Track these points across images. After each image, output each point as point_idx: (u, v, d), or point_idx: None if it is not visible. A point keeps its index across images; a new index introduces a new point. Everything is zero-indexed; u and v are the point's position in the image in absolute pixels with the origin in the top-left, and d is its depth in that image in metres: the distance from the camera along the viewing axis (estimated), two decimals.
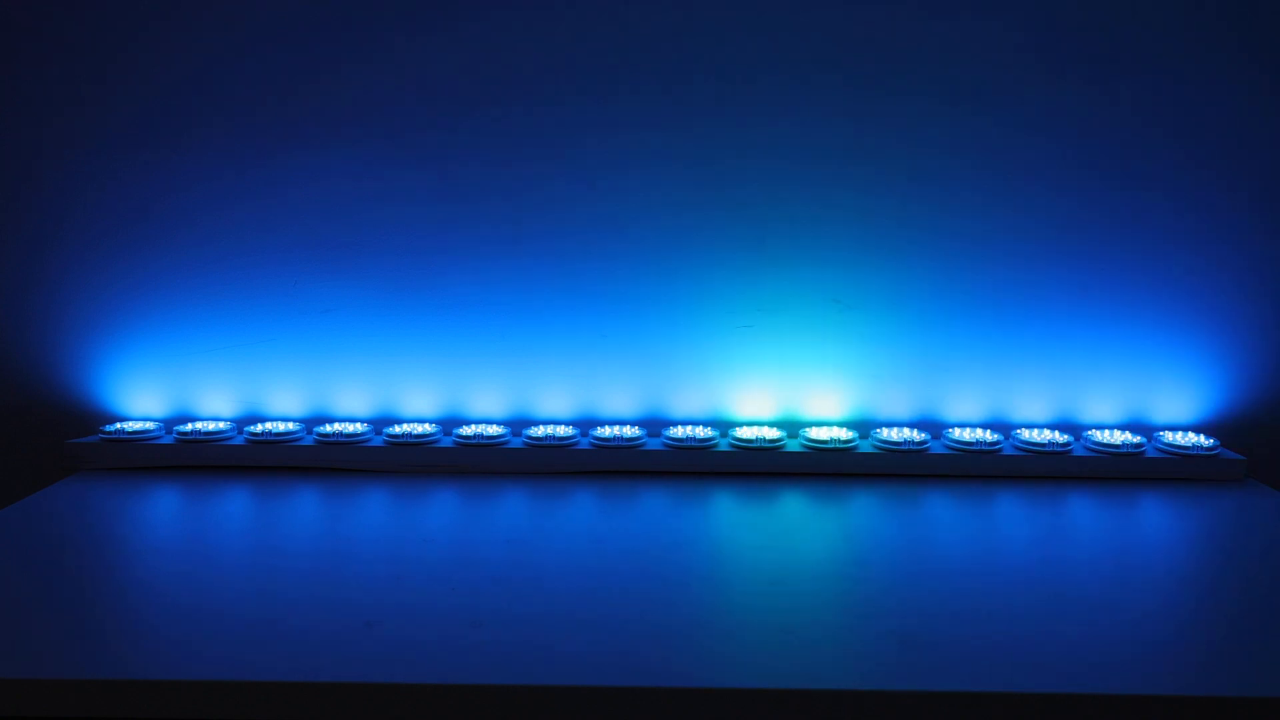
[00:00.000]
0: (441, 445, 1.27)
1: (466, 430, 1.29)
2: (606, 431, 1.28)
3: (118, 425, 1.28)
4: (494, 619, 0.80)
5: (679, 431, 1.30)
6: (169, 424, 1.33)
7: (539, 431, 1.29)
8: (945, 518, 1.11)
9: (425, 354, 1.33)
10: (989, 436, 1.27)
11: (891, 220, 1.28)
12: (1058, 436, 1.27)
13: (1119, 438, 1.26)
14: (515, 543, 1.00)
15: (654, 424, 1.34)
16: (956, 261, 1.29)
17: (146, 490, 1.19)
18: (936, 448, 1.27)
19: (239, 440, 1.28)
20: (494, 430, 1.29)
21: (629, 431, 1.29)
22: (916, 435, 1.27)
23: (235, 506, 1.14)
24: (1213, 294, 1.29)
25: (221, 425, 1.30)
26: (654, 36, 1.23)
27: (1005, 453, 1.25)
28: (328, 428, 1.29)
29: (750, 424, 1.33)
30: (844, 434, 1.29)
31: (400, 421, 1.34)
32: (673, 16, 1.23)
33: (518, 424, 1.34)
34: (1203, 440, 1.25)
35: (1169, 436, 1.27)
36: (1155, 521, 1.12)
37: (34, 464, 1.32)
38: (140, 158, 1.27)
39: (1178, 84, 1.24)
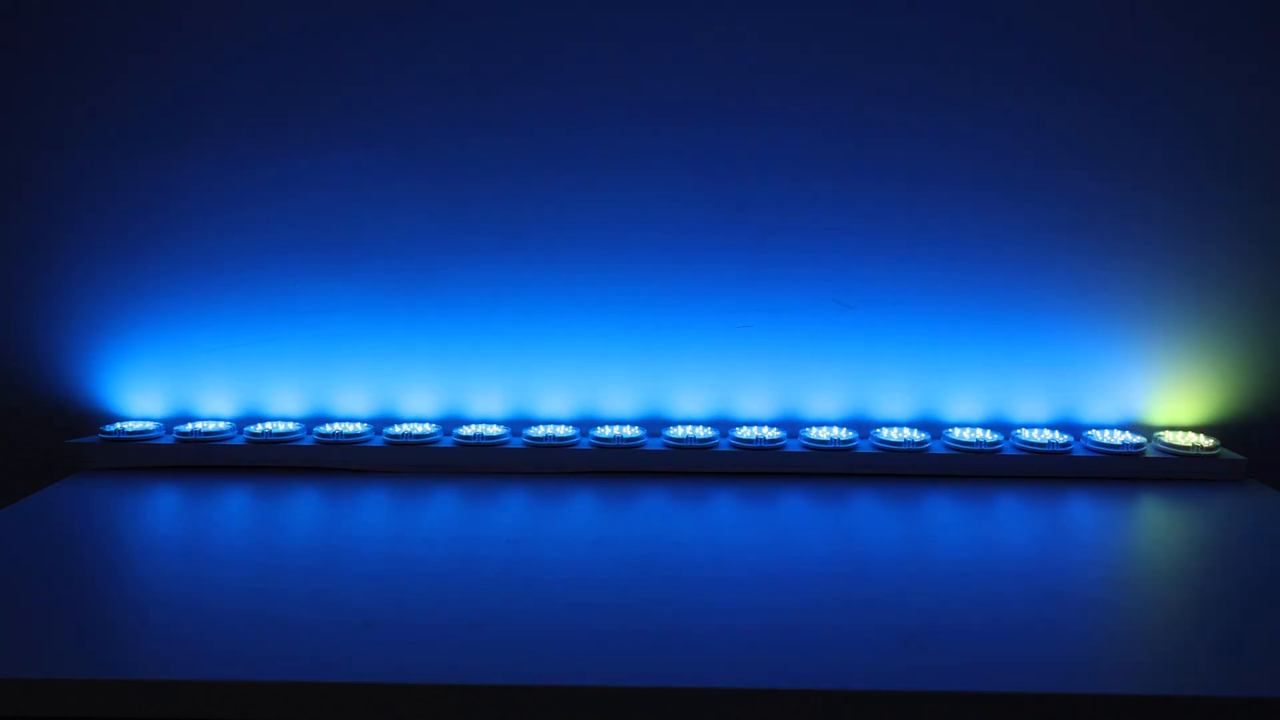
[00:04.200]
0: (441, 445, 1.27)
1: (466, 430, 1.29)
2: (606, 431, 1.28)
3: (118, 425, 1.28)
4: (494, 619, 0.80)
5: (679, 431, 1.30)
6: (169, 424, 1.33)
7: (539, 431, 1.29)
8: (945, 518, 1.11)
9: (425, 354, 1.33)
10: (989, 436, 1.27)
11: (892, 220, 1.28)
12: (1058, 436, 1.27)
13: (1119, 438, 1.26)
14: (515, 543, 1.00)
15: (654, 424, 1.34)
16: (957, 262, 1.29)
17: (146, 490, 1.19)
18: (936, 448, 1.27)
19: (239, 440, 1.28)
20: (494, 430, 1.29)
21: (629, 431, 1.29)
22: (916, 435, 1.27)
23: (235, 506, 1.14)
24: (1213, 294, 1.29)
25: (221, 425, 1.30)
26: (654, 38, 1.23)
27: (1005, 453, 1.25)
28: (328, 428, 1.29)
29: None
30: (844, 433, 1.29)
31: (400, 421, 1.34)
32: (673, 19, 1.23)
33: (518, 424, 1.34)
34: (1203, 440, 1.25)
35: (1169, 436, 1.27)
36: (1155, 521, 1.12)
37: (34, 464, 1.32)
38: (140, 159, 1.27)
39: (1178, 85, 1.23)
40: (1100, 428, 1.32)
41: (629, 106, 1.25)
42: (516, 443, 1.29)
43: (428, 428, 1.29)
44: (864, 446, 1.27)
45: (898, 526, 1.08)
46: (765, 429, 1.31)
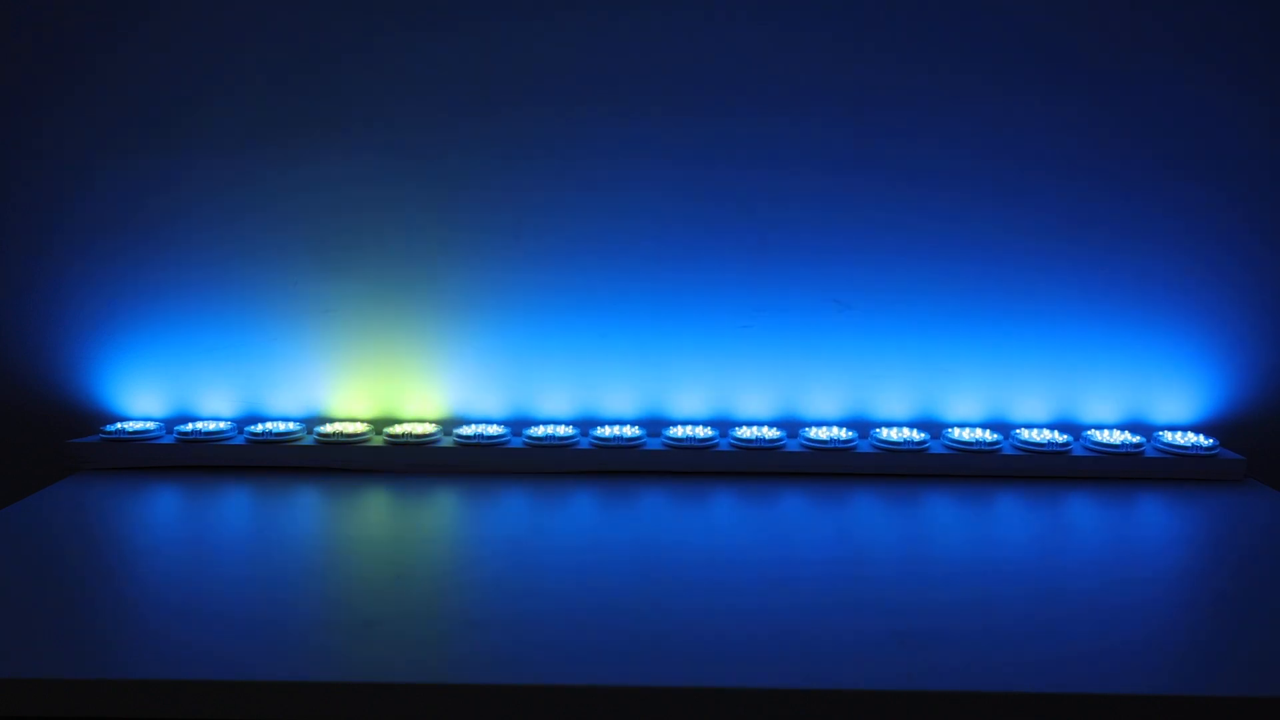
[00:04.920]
0: (442, 445, 1.27)
1: (467, 430, 1.29)
2: (606, 431, 1.28)
3: (118, 425, 1.28)
4: (494, 619, 0.80)
5: (679, 431, 1.30)
6: (169, 424, 1.33)
7: (539, 431, 1.29)
8: (945, 518, 1.11)
9: (425, 354, 1.33)
10: (989, 436, 1.27)
11: (892, 221, 1.28)
12: (1058, 436, 1.27)
13: (1119, 438, 1.26)
14: (515, 543, 1.00)
15: (654, 424, 1.34)
16: (956, 262, 1.29)
17: (146, 490, 1.19)
18: (936, 448, 1.27)
19: (239, 440, 1.28)
20: (494, 430, 1.29)
21: (629, 431, 1.29)
22: (916, 435, 1.27)
23: (235, 506, 1.14)
24: (1212, 294, 1.29)
25: (221, 425, 1.30)
26: (654, 38, 1.23)
27: (1005, 453, 1.25)
28: (329, 428, 1.29)
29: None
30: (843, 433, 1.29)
31: (401, 421, 1.34)
32: (673, 19, 1.23)
33: (518, 424, 1.34)
34: (1202, 440, 1.25)
35: (1169, 436, 1.27)
36: (1155, 521, 1.12)
37: (34, 464, 1.32)
38: (140, 158, 1.27)
39: (1175, 90, 1.23)
40: (1100, 428, 1.32)
41: (630, 106, 1.25)
42: (516, 443, 1.29)
43: (428, 428, 1.29)
44: (864, 446, 1.27)
45: (898, 526, 1.08)
46: (765, 429, 1.31)
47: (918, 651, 0.74)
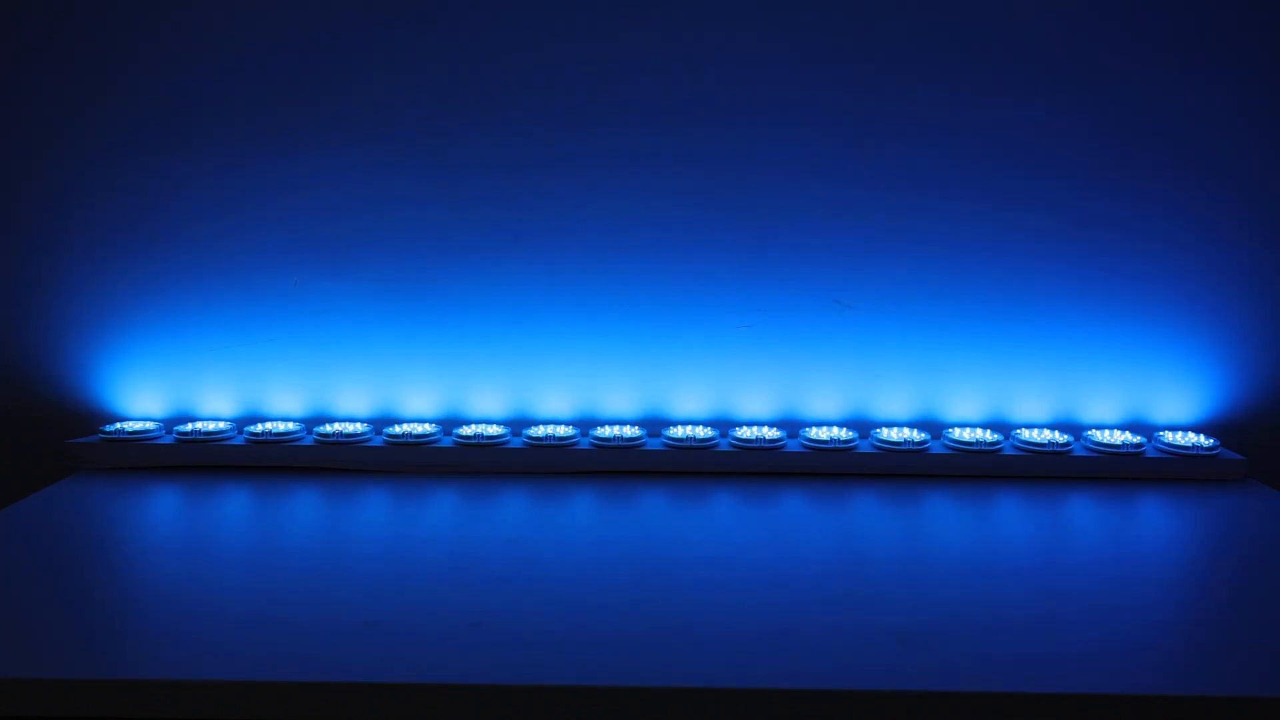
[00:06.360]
0: (442, 445, 1.27)
1: (466, 430, 1.29)
2: (606, 431, 1.28)
3: (118, 425, 1.28)
4: (494, 619, 0.80)
5: (679, 431, 1.30)
6: (169, 424, 1.33)
7: (539, 431, 1.29)
8: (945, 518, 1.11)
9: (425, 354, 1.33)
10: (989, 436, 1.27)
11: (892, 221, 1.28)
12: (1058, 436, 1.27)
13: (1119, 438, 1.26)
14: (515, 543, 1.00)
15: (654, 424, 1.34)
16: (957, 262, 1.29)
17: (146, 490, 1.19)
18: (936, 448, 1.27)
19: (239, 440, 1.28)
20: (494, 430, 1.29)
21: (629, 431, 1.29)
22: (916, 435, 1.27)
23: (235, 506, 1.14)
24: (1212, 294, 1.29)
25: (221, 425, 1.30)
26: (654, 38, 1.23)
27: (1005, 453, 1.25)
28: (328, 428, 1.28)
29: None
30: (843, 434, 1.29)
31: (400, 421, 1.34)
32: (672, 19, 1.23)
33: (518, 424, 1.34)
34: (1203, 440, 1.25)
35: (1169, 436, 1.27)
36: (1155, 521, 1.12)
37: (34, 464, 1.32)
38: (141, 159, 1.27)
39: (1175, 90, 1.23)
40: (1100, 428, 1.32)
41: (629, 107, 1.25)
42: (516, 443, 1.29)
43: (428, 428, 1.29)
44: (864, 446, 1.27)
45: (898, 526, 1.08)
46: (765, 429, 1.31)
47: (918, 651, 0.74)
